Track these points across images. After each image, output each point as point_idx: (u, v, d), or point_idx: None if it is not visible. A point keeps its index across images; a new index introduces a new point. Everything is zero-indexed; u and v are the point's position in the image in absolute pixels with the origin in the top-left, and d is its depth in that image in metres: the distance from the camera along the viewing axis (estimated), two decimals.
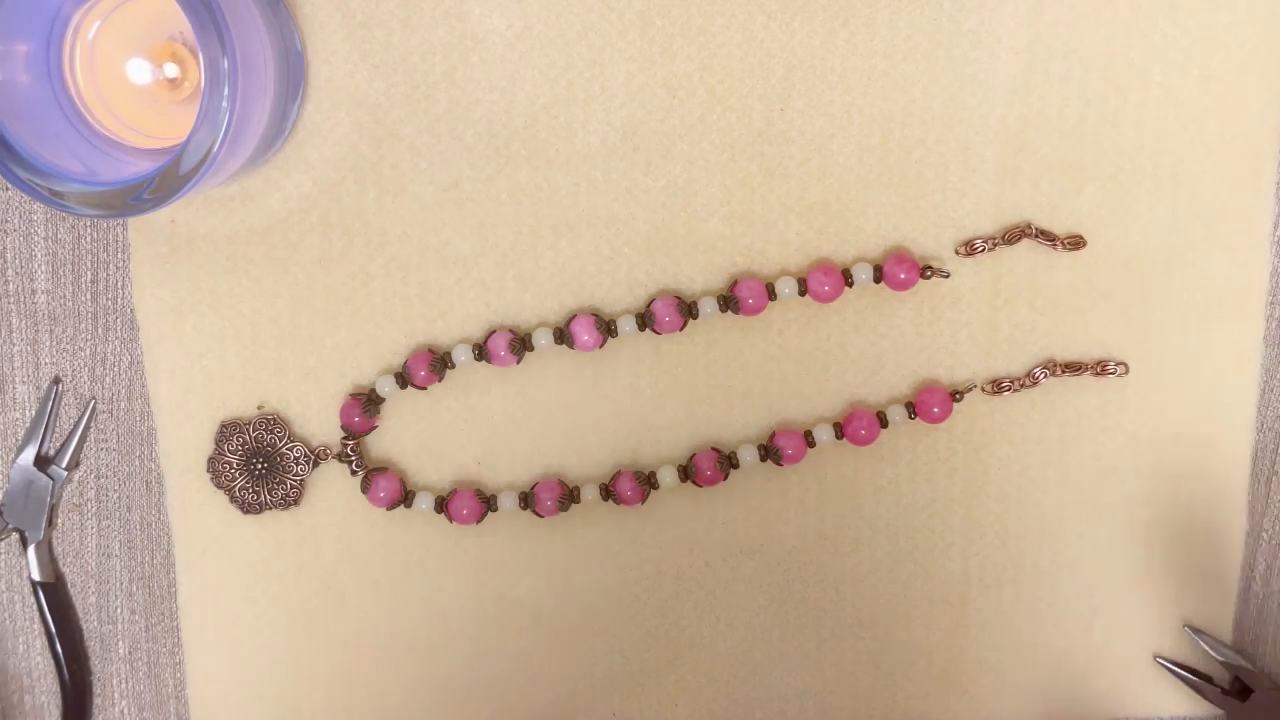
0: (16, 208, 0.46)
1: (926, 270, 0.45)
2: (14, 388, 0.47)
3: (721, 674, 0.49)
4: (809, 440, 0.46)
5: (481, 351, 0.45)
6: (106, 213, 0.38)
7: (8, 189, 0.45)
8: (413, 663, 0.48)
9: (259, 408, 0.46)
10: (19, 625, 0.49)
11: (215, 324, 0.46)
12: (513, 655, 0.48)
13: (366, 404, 0.46)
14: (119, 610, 0.49)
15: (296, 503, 0.46)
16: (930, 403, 0.46)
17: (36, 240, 0.46)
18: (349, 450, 0.46)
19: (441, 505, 0.46)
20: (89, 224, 0.46)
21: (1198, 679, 0.49)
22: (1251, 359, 0.47)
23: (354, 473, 0.46)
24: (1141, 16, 0.44)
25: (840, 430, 0.46)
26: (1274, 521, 0.48)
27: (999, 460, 0.47)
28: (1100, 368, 0.46)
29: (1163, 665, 0.49)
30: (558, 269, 0.46)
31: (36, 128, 0.39)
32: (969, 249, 0.45)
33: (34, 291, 0.46)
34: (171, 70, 0.40)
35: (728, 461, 0.46)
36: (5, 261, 0.46)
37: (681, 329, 0.45)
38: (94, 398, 0.47)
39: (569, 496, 0.46)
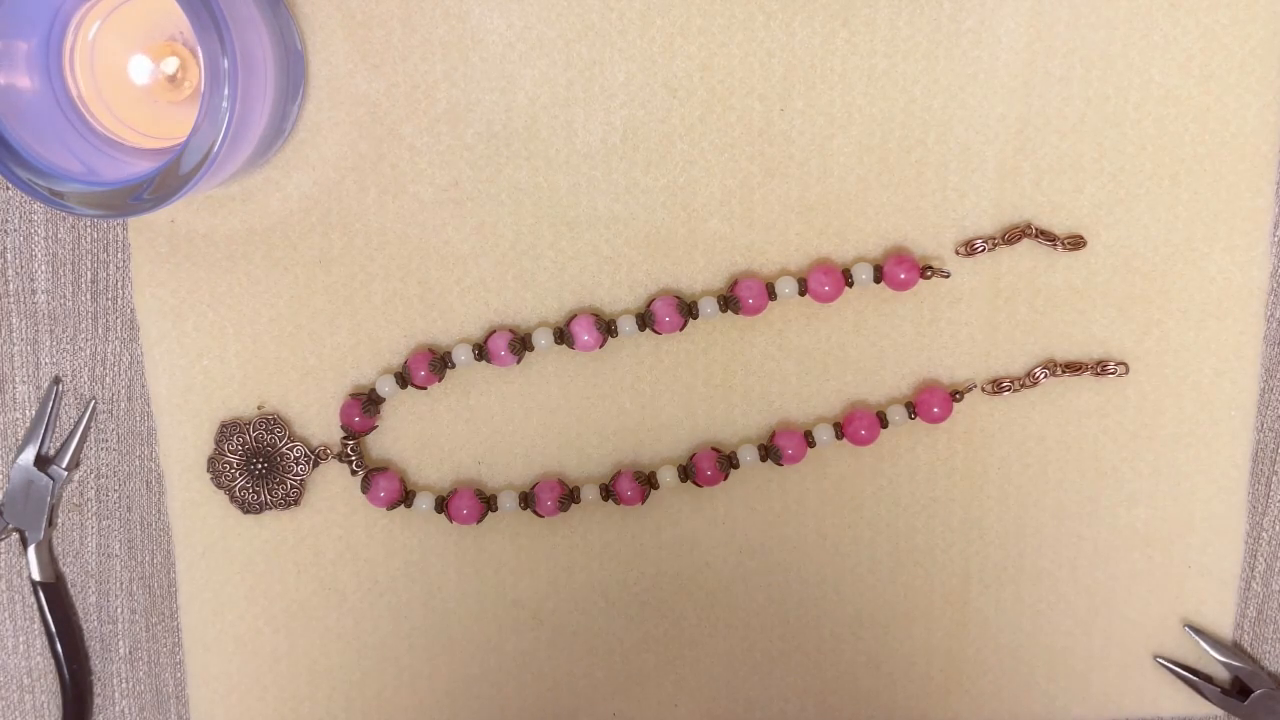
0: (16, 208, 0.46)
1: (926, 270, 0.45)
2: (14, 388, 0.47)
3: (721, 674, 0.49)
4: (809, 440, 0.46)
5: (481, 351, 0.45)
6: (106, 213, 0.38)
7: (8, 189, 0.45)
8: (413, 663, 0.48)
9: (259, 408, 0.46)
10: (19, 625, 0.49)
11: (215, 324, 0.46)
12: (513, 655, 0.48)
13: (366, 404, 0.46)
14: (119, 610, 0.49)
15: (296, 503, 0.47)
16: (930, 403, 0.46)
17: (36, 240, 0.46)
18: (349, 450, 0.46)
19: (441, 505, 0.46)
20: (89, 224, 0.46)
21: (1198, 679, 0.49)
22: (1251, 359, 0.47)
23: (354, 473, 0.46)
24: (1141, 16, 0.44)
25: (840, 430, 0.46)
26: (1274, 521, 0.48)
27: (999, 460, 0.47)
28: (1100, 368, 0.46)
29: (1163, 665, 0.49)
30: (558, 269, 0.46)
31: (36, 128, 0.39)
32: (969, 249, 0.45)
33: (34, 291, 0.46)
34: (170, 66, 0.40)
35: (728, 461, 0.46)
36: (5, 261, 0.46)
37: (681, 329, 0.45)
38: (94, 398, 0.47)
39: (569, 496, 0.46)
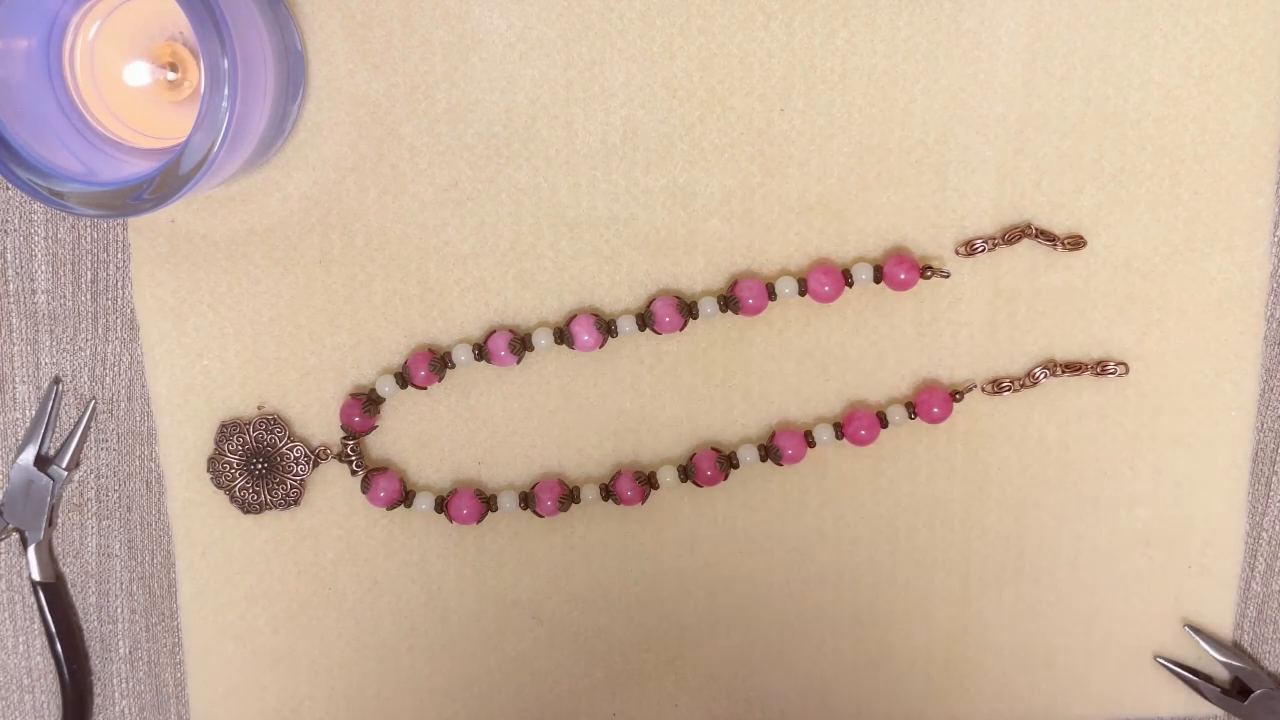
0: (16, 208, 0.46)
1: (926, 270, 0.45)
2: (14, 388, 0.47)
3: (721, 674, 0.49)
4: (809, 440, 0.46)
5: (481, 351, 0.45)
6: (106, 213, 0.38)
7: (8, 189, 0.45)
8: (413, 663, 0.48)
9: (259, 408, 0.46)
10: (19, 625, 0.49)
11: (215, 324, 0.46)
12: (513, 655, 0.48)
13: (366, 404, 0.46)
14: (119, 610, 0.49)
15: (296, 503, 0.46)
16: (930, 403, 0.46)
17: (36, 240, 0.46)
18: (349, 450, 0.46)
19: (441, 505, 0.46)
20: (89, 224, 0.46)
21: (1198, 679, 0.49)
22: (1251, 359, 0.47)
23: (354, 473, 0.46)
24: (1141, 16, 0.44)
25: (840, 430, 0.46)
26: (1274, 521, 0.48)
27: (999, 460, 0.47)
28: (1100, 368, 0.46)
29: (1163, 665, 0.49)
30: (558, 269, 0.46)
31: (36, 128, 0.39)
32: (969, 249, 0.45)
33: (34, 291, 0.46)
34: (170, 75, 0.40)
35: (728, 461, 0.46)
36: (5, 261, 0.46)
37: (681, 329, 0.45)
38: (94, 398, 0.47)
39: (569, 496, 0.46)
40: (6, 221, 0.46)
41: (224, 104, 0.36)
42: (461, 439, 0.47)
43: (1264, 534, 0.48)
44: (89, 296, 0.46)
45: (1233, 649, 0.49)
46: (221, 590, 0.48)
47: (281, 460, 0.46)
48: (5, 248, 0.46)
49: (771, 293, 0.45)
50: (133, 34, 0.41)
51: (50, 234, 0.46)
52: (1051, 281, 0.46)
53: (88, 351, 0.47)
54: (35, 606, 0.48)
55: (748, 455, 0.46)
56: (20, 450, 0.47)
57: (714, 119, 0.44)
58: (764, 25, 0.44)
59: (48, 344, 0.47)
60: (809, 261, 0.46)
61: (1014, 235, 0.45)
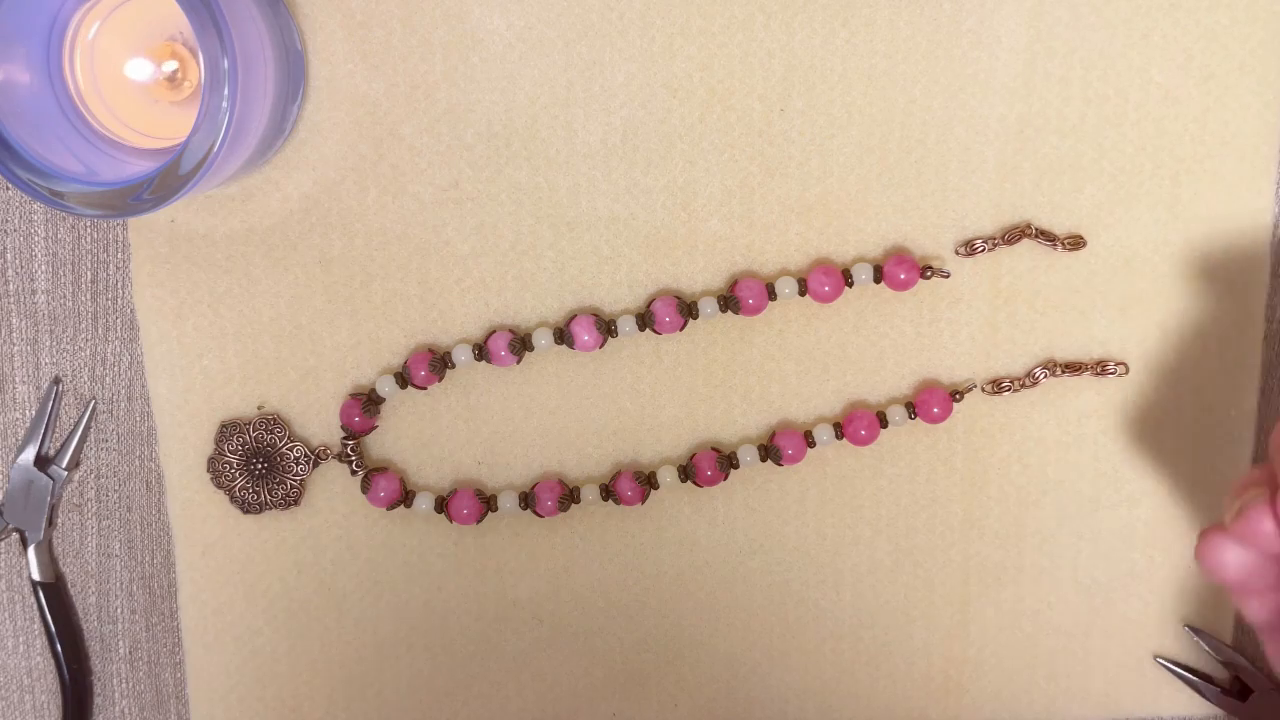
0: (16, 208, 0.46)
1: (926, 270, 0.45)
2: (14, 388, 0.47)
3: (721, 674, 0.49)
4: (809, 440, 0.46)
5: (481, 351, 0.45)
6: (106, 213, 0.38)
7: (8, 189, 0.45)
8: (413, 663, 0.48)
9: (259, 408, 0.46)
10: (19, 625, 0.49)
11: (215, 324, 0.46)
12: (513, 655, 0.48)
13: (366, 404, 0.46)
14: (119, 610, 0.49)
15: (296, 503, 0.46)
16: (930, 403, 0.46)
17: (36, 240, 0.46)
18: (349, 450, 0.46)
19: (441, 505, 0.46)
20: (89, 224, 0.46)
21: (1198, 679, 0.49)
22: (1251, 359, 0.47)
23: (354, 473, 0.46)
24: (1141, 16, 0.44)
25: (840, 430, 0.46)
26: None
27: (999, 460, 0.47)
28: (1100, 368, 0.46)
29: (1163, 665, 0.49)
30: (558, 269, 0.46)
31: (36, 128, 0.39)
32: (969, 249, 0.45)
33: (34, 291, 0.46)
34: (170, 65, 0.40)
35: (728, 461, 0.46)
36: (5, 261, 0.46)
37: (681, 329, 0.45)
38: (94, 398, 0.47)
39: (569, 496, 0.46)
40: (6, 221, 0.46)
41: (224, 104, 0.36)
42: (461, 439, 0.47)
43: None
44: (89, 296, 0.46)
45: (1233, 649, 0.49)
46: (221, 590, 0.48)
47: (281, 460, 0.46)
48: (5, 248, 0.46)
49: (771, 293, 0.45)
50: (132, 34, 0.41)
51: (50, 234, 0.46)
52: (1051, 281, 0.46)
53: (88, 351, 0.47)
54: (35, 606, 0.48)
55: (748, 455, 0.46)
56: (20, 450, 0.47)
57: (714, 119, 0.44)
58: (764, 25, 0.44)
59: (48, 344, 0.47)
60: (809, 261, 0.46)
61: (1014, 235, 0.45)
